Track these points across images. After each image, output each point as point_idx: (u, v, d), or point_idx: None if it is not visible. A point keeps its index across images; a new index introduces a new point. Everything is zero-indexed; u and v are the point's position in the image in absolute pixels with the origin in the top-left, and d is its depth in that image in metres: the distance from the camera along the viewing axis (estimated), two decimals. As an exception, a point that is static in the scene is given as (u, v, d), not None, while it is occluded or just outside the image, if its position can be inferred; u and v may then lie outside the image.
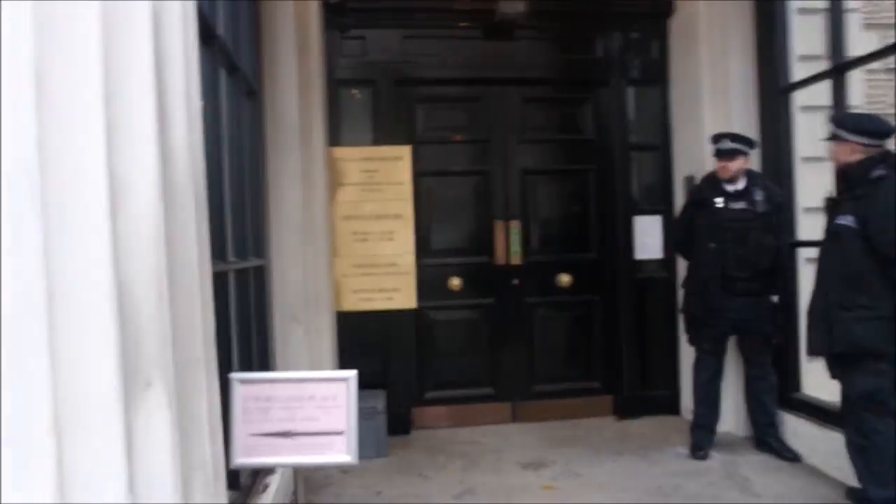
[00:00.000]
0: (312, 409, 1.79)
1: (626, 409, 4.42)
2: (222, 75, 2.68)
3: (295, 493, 2.28)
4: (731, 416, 4.00)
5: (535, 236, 4.52)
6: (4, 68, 0.84)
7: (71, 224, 0.94)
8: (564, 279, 4.46)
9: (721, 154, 3.62)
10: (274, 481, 2.77)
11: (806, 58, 4.01)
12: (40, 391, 0.84)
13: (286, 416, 1.78)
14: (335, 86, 4.23)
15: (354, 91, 4.30)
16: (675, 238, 4.08)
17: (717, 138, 3.69)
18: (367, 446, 3.63)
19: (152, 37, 1.10)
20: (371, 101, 4.30)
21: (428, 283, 4.33)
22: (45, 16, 0.91)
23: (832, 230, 2.83)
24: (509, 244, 4.44)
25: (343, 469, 3.28)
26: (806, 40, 4.03)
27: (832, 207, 2.89)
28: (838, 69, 3.47)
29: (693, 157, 4.25)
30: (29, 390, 0.83)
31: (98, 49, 0.97)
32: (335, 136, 4.22)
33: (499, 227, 4.46)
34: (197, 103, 1.31)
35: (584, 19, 4.49)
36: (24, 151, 0.86)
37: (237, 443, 1.80)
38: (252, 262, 3.05)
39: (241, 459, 1.80)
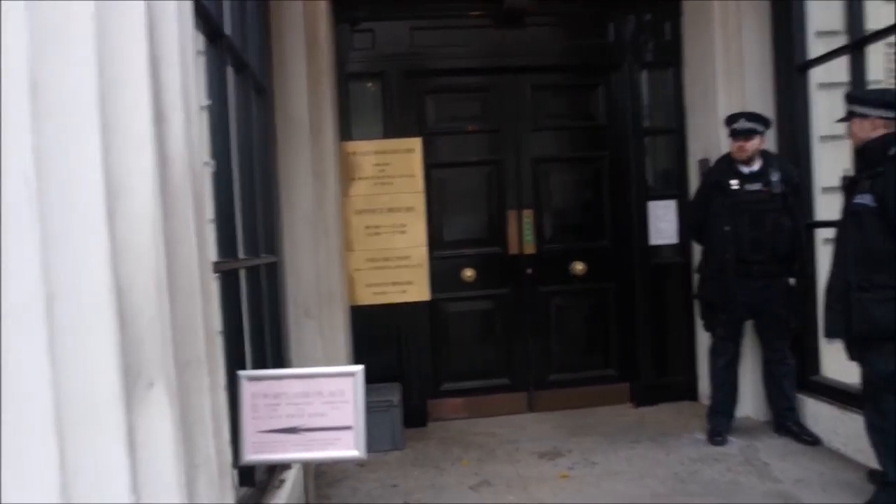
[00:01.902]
0: (320, 404, 1.80)
1: (643, 397, 4.39)
2: (230, 74, 2.69)
3: (305, 488, 2.29)
4: (750, 400, 3.96)
5: (549, 225, 4.49)
6: (1, 72, 0.84)
7: (69, 226, 0.95)
8: (579, 267, 4.43)
9: (737, 134, 3.56)
10: (290, 477, 2.79)
11: (823, 33, 3.93)
12: (42, 392, 0.85)
13: (294, 413, 1.79)
14: (345, 79, 4.23)
15: (370, 84, 4.29)
16: (689, 222, 4.04)
17: (732, 118, 3.63)
18: (383, 439, 3.68)
19: (147, 37, 1.10)
20: (381, 94, 4.30)
21: (441, 274, 4.32)
22: (39, 18, 0.91)
23: (850, 210, 2.77)
24: (522, 233, 4.42)
25: (359, 462, 3.30)
26: (823, 15, 3.94)
27: (850, 187, 2.83)
28: (857, 44, 3.39)
29: (708, 140, 4.19)
30: (30, 391, 0.84)
31: (93, 51, 0.97)
32: (346, 130, 4.22)
33: (511, 216, 4.44)
34: (195, 102, 1.32)
35: (595, 3, 4.44)
36: (20, 155, 0.87)
37: (246, 440, 1.82)
38: (264, 259, 3.05)
39: (251, 456, 1.82)
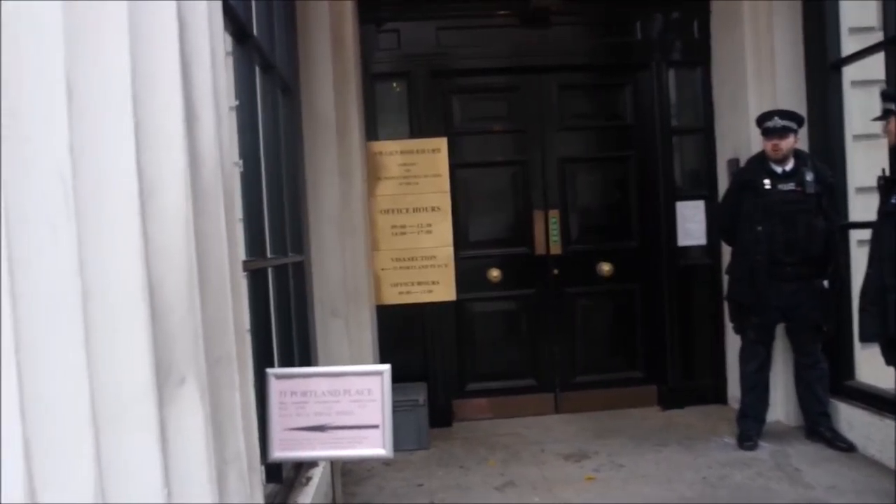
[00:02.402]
0: (348, 402, 1.80)
1: (671, 399, 4.34)
2: (257, 74, 2.72)
3: (333, 486, 2.31)
4: (781, 404, 3.89)
5: (575, 225, 4.46)
6: (37, 75, 0.86)
7: (103, 225, 0.95)
8: (605, 268, 4.40)
9: (770, 132, 3.49)
10: (316, 474, 2.81)
11: (857, 30, 3.85)
12: (77, 388, 0.86)
13: (322, 411, 1.80)
14: (371, 80, 4.24)
15: (395, 84, 4.31)
16: (719, 223, 3.97)
17: (764, 117, 3.56)
18: (409, 439, 3.69)
19: (178, 38, 1.12)
20: (407, 94, 4.30)
21: (467, 274, 4.32)
22: (74, 20, 0.92)
23: (886, 210, 2.70)
24: (549, 234, 4.41)
25: (385, 461, 3.31)
26: (856, 11, 3.85)
27: (886, 187, 2.76)
28: (893, 40, 3.30)
29: (737, 139, 4.13)
30: (66, 388, 0.86)
31: (125, 52, 0.98)
32: (372, 130, 4.24)
33: (538, 216, 4.42)
34: (225, 102, 1.33)
35: (622, 2, 4.39)
36: (56, 153, 0.88)
37: (274, 437, 1.84)
38: (291, 258, 3.08)
39: (279, 453, 1.83)
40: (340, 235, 3.64)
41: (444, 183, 4.28)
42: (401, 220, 4.27)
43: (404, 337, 4.29)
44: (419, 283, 4.29)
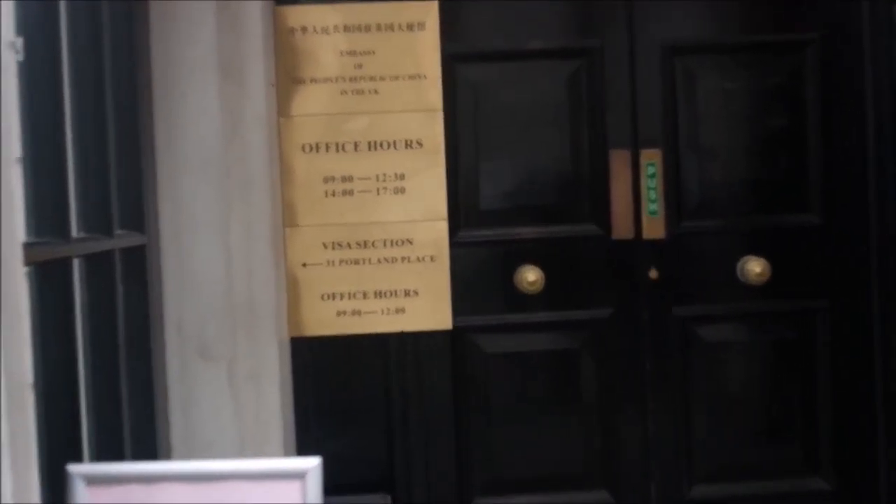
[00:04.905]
0: (230, 535, 1.22)
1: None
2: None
3: None
4: None
5: (693, 181, 2.53)
6: None
7: None
8: (755, 268, 2.51)
9: None
10: None
11: None
12: None
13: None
14: None
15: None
16: None
17: None
18: None
19: None
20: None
21: (474, 277, 2.51)
22: None
23: None
24: (640, 197, 2.49)
25: None
26: None
27: None
28: None
29: None
30: None
31: None
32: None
33: (618, 162, 2.49)
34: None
35: None
36: None
37: None
38: (121, 241, 2.15)
39: None
40: (221, 196, 2.36)
41: (432, 93, 2.42)
42: (343, 167, 2.42)
43: (349, 403, 2.54)
44: (379, 295, 2.43)
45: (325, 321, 2.35)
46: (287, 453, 2.35)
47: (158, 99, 2.23)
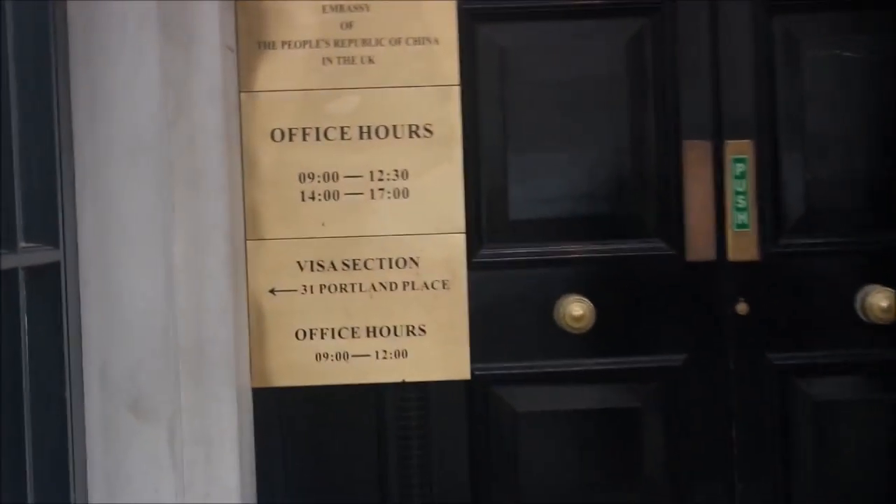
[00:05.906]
0: None
1: None
2: None
3: None
4: None
5: (797, 184, 2.09)
6: None
7: None
8: (881, 302, 2.07)
9: None
10: None
11: None
12: None
13: None
14: None
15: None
16: None
17: None
18: None
19: None
20: None
21: (500, 310, 2.10)
22: None
23: None
24: (725, 206, 2.06)
25: None
26: None
27: None
28: None
29: None
30: None
31: None
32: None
33: (695, 157, 2.05)
34: None
35: None
36: None
37: None
38: (27, 256, 1.85)
39: None
40: (160, 198, 2.03)
41: (446, 62, 1.98)
42: (326, 161, 1.99)
43: (331, 477, 2.10)
44: (373, 332, 2.02)
45: (299, 367, 1.87)
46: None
47: (77, 66, 1.82)
